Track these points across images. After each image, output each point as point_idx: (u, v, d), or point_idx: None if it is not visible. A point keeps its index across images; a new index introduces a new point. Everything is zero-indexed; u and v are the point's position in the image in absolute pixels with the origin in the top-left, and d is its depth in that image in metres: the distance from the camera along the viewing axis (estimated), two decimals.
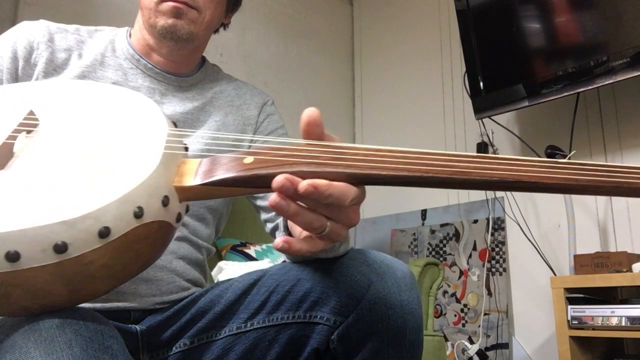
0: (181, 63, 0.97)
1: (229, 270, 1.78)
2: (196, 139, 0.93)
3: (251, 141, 0.99)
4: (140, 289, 0.83)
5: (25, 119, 0.62)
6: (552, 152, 0.81)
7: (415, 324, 0.75)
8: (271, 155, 0.54)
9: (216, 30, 1.05)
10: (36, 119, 0.63)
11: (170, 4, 0.89)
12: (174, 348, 0.81)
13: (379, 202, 2.82)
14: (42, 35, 0.90)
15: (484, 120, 2.29)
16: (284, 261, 0.85)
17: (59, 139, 0.60)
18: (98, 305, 0.79)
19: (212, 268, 1.82)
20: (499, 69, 2.14)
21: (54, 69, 0.89)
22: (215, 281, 1.67)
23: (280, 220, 0.79)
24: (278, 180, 0.49)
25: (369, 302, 0.73)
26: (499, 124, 2.29)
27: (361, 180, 0.53)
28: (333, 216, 0.54)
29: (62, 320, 0.55)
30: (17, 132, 0.60)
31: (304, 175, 0.51)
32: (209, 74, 1.03)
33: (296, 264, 0.80)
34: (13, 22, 1.84)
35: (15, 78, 0.87)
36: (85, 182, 0.53)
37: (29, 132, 0.61)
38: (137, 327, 0.80)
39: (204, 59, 1.06)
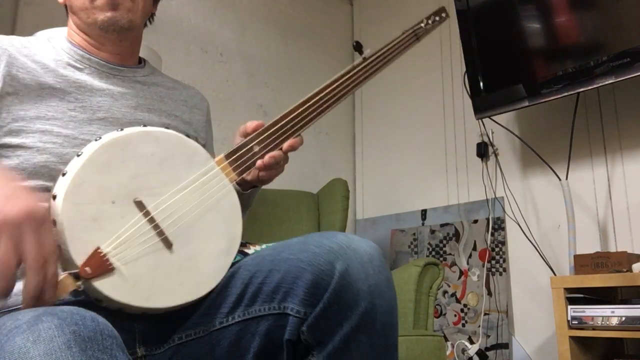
0: (126, 55, 1.02)
1: None
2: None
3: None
4: None
5: (144, 212, 0.79)
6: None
7: (386, 306, 0.76)
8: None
9: (145, 24, 1.10)
10: (145, 207, 0.79)
11: None
12: (170, 341, 0.82)
13: (379, 202, 2.82)
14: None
15: (484, 120, 2.29)
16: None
17: (179, 226, 0.81)
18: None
19: None
20: (499, 69, 2.14)
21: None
22: None
23: None
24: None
25: (335, 290, 0.73)
26: (499, 124, 2.29)
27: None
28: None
29: (61, 321, 0.56)
30: (152, 222, 0.79)
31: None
32: (153, 69, 1.09)
33: (268, 254, 0.83)
34: (13, 22, 1.84)
35: None
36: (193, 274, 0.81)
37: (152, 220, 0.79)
38: (135, 323, 0.80)
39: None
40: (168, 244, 0.79)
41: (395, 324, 0.78)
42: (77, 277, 0.71)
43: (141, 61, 1.09)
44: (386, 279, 0.77)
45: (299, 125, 0.95)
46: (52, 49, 0.97)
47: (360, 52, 1.11)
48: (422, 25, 1.20)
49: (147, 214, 0.78)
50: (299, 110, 0.95)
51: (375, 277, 0.76)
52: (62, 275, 0.70)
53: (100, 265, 0.72)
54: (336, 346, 0.74)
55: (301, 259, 0.77)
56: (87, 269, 0.71)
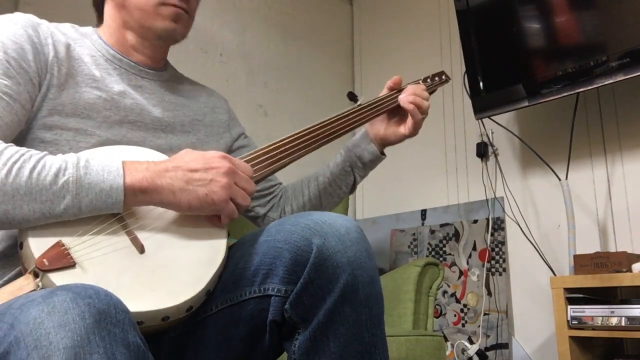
0: (158, 59, 1.03)
1: None
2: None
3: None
4: None
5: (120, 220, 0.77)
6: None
7: (367, 277, 0.76)
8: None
9: None
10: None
11: (173, 9, 0.94)
12: (166, 336, 0.83)
13: (379, 202, 2.82)
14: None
15: (484, 120, 2.29)
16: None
17: (154, 232, 0.78)
18: None
19: None
20: (499, 69, 2.14)
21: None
22: None
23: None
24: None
25: (314, 265, 0.74)
26: (499, 124, 2.29)
27: None
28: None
29: (75, 294, 0.57)
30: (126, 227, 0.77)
31: None
32: (174, 70, 1.10)
33: (248, 240, 0.83)
34: None
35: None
36: (177, 279, 0.76)
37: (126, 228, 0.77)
38: None
39: None
40: (140, 247, 0.75)
41: (378, 295, 0.78)
42: (37, 275, 0.67)
43: (165, 63, 1.08)
44: (365, 251, 0.77)
45: (287, 154, 0.96)
46: (91, 45, 0.96)
47: (355, 101, 1.15)
48: (420, 82, 1.26)
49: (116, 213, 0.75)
50: (287, 140, 0.97)
51: (353, 249, 0.76)
52: (23, 276, 0.68)
53: (60, 258, 0.68)
54: (321, 321, 0.74)
55: (278, 239, 0.78)
56: (45, 260, 0.67)
